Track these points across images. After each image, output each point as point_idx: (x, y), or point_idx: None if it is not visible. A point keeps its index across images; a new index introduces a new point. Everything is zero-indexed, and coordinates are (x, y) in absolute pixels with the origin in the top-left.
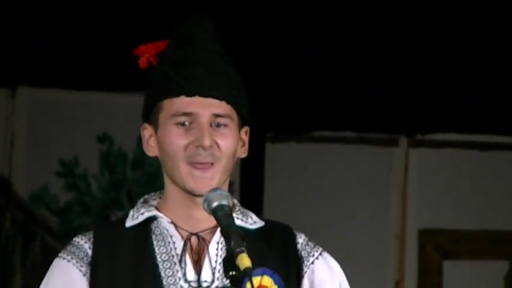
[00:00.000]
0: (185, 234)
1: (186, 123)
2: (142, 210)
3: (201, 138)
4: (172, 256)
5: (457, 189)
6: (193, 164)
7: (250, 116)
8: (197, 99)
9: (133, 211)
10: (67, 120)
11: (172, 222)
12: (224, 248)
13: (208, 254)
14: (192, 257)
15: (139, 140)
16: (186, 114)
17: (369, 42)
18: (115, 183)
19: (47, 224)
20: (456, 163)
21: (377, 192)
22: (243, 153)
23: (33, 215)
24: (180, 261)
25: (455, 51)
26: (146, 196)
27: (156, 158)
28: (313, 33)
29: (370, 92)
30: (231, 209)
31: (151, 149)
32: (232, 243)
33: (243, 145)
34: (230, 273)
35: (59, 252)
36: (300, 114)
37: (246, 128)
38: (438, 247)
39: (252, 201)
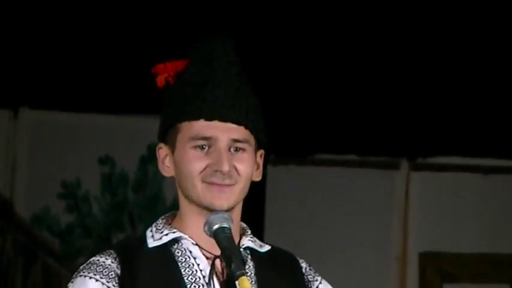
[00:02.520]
0: (208, 255)
1: (205, 146)
2: (166, 231)
3: (219, 163)
4: (199, 278)
5: (458, 213)
6: (210, 183)
7: (266, 139)
8: (216, 123)
9: (152, 232)
10: (69, 142)
11: (196, 244)
12: (249, 268)
13: None
14: (219, 278)
15: (141, 161)
16: (205, 138)
17: (371, 66)
18: (116, 205)
19: (49, 245)
20: (457, 186)
21: (378, 215)
22: (257, 176)
23: (35, 236)
24: (207, 284)
25: (457, 76)
26: (163, 216)
27: (171, 178)
28: (316, 56)
29: (372, 115)
30: (242, 229)
31: (166, 169)
32: (233, 266)
33: (258, 168)
34: None
35: (60, 274)
36: (302, 137)
37: (261, 152)
38: (439, 270)
39: (253, 223)
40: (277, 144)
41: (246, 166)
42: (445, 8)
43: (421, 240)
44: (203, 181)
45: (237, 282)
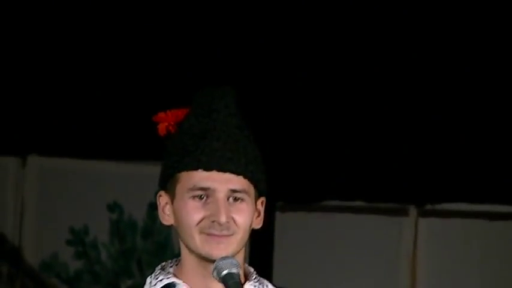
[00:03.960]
0: None
1: (203, 196)
2: (161, 277)
3: (217, 214)
4: None
5: (466, 259)
6: (208, 234)
7: (267, 188)
8: (214, 174)
9: (150, 278)
10: (77, 189)
11: None
12: None
13: None
14: None
15: (150, 208)
16: (203, 189)
17: (378, 111)
18: (125, 252)
19: None
20: (465, 233)
21: (386, 262)
22: (258, 224)
23: (44, 283)
24: None
25: (464, 120)
26: (164, 263)
27: (171, 226)
28: (321, 103)
29: (380, 162)
30: (245, 275)
31: (166, 217)
32: None
33: (258, 216)
34: None
35: None
36: (310, 184)
37: (262, 199)
38: None
39: (261, 269)
40: (286, 191)
41: (245, 217)
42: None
43: (430, 287)
44: (201, 232)
45: None
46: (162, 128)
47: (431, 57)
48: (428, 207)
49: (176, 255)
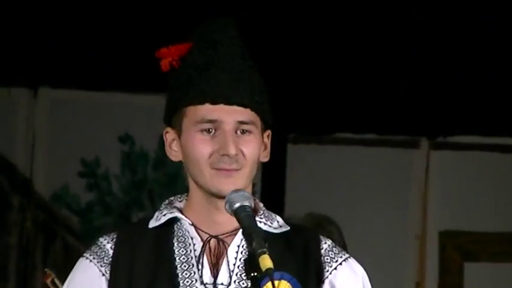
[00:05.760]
0: (206, 236)
1: (211, 130)
2: (165, 211)
3: (226, 147)
4: (191, 258)
5: (478, 191)
6: (218, 169)
7: (272, 119)
8: (221, 107)
9: (157, 213)
10: (88, 120)
11: (192, 224)
12: (244, 251)
13: (227, 257)
14: (210, 259)
15: (161, 140)
16: (210, 121)
17: (390, 45)
18: (136, 184)
19: (68, 224)
20: (477, 165)
21: (398, 194)
22: (265, 157)
23: (54, 214)
24: (197, 263)
25: (478, 54)
26: (172, 198)
27: (179, 162)
28: (335, 36)
29: (392, 94)
30: (253, 210)
31: (174, 153)
32: (254, 244)
33: (265, 149)
34: (251, 274)
35: (80, 251)
36: (322, 116)
37: (268, 132)
38: (459, 249)
39: (273, 202)
40: (298, 123)
41: (253, 149)
42: None
43: (441, 219)
44: (212, 168)
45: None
46: (165, 64)
47: None
48: (440, 139)
49: (187, 187)
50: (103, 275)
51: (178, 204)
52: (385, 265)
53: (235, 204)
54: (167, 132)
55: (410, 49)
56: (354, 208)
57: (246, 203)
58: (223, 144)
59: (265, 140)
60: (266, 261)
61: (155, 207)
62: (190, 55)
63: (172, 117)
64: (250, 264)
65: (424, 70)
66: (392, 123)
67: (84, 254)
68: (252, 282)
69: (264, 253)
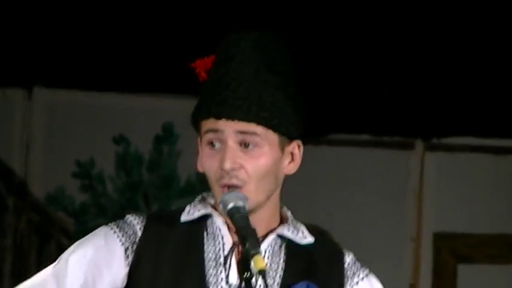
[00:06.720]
0: (236, 237)
1: (216, 144)
2: (199, 207)
3: (222, 161)
4: (219, 256)
5: (472, 193)
6: (222, 185)
7: (300, 129)
8: (224, 121)
9: (189, 207)
10: (83, 121)
11: (226, 223)
12: (270, 257)
13: None
14: (238, 260)
15: (156, 142)
16: (212, 130)
17: (385, 47)
18: (131, 185)
19: (63, 225)
20: (472, 167)
21: (393, 196)
22: (291, 169)
23: (49, 216)
24: (225, 263)
25: (473, 55)
26: (204, 194)
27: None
28: (330, 37)
29: (387, 95)
30: (281, 218)
31: (198, 164)
32: (248, 244)
33: (292, 160)
34: (245, 275)
35: None
36: (317, 117)
37: (297, 143)
38: (453, 251)
39: None
40: None
41: (257, 164)
42: None
43: (436, 220)
44: (218, 184)
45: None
46: (201, 76)
47: None
48: (435, 141)
49: (181, 188)
50: (125, 251)
51: (211, 201)
52: (379, 267)
53: (228, 204)
54: (198, 142)
55: (405, 51)
56: (348, 209)
57: (240, 204)
58: (222, 159)
59: (295, 151)
60: (259, 262)
61: (150, 208)
62: (210, 70)
63: (197, 129)
64: (244, 265)
65: (418, 72)
66: (387, 125)
67: (109, 225)
68: (245, 283)
69: (258, 253)
